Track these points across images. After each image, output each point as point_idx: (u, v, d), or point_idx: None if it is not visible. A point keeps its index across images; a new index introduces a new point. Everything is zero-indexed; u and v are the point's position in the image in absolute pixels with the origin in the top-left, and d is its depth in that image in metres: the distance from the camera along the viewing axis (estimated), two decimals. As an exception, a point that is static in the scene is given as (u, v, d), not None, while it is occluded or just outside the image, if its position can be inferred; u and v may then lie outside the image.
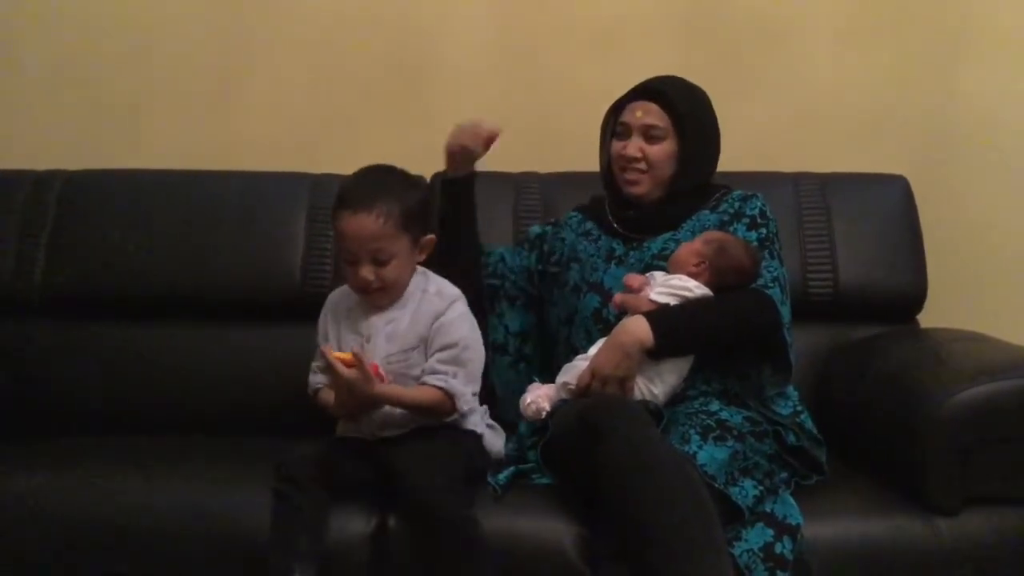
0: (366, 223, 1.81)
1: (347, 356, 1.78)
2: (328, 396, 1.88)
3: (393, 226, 1.82)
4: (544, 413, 1.92)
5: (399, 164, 2.34)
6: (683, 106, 2.07)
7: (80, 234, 2.37)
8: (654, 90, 2.10)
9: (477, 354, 1.91)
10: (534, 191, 2.42)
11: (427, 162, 2.19)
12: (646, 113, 2.08)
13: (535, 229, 2.26)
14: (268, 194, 2.42)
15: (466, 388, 1.87)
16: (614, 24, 2.64)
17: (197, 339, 2.35)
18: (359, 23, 2.65)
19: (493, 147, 2.07)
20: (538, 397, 1.94)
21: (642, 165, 2.09)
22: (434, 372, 1.85)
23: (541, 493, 1.82)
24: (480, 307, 2.09)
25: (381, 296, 1.88)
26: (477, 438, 1.90)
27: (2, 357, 2.28)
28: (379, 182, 1.87)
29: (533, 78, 2.64)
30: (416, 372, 1.87)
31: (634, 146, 2.09)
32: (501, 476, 1.84)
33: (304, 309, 2.32)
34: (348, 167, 2.44)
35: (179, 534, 1.77)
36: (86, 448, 2.06)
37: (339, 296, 1.99)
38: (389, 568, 1.72)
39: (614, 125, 2.14)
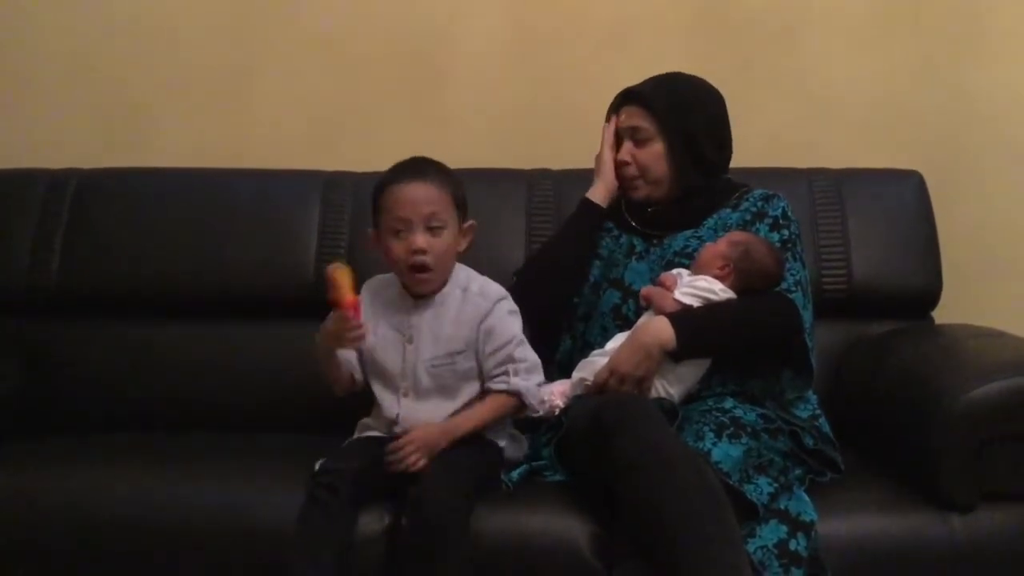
0: (421, 188, 1.86)
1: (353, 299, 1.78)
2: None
3: (448, 194, 1.87)
4: (558, 411, 1.92)
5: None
6: (662, 106, 2.06)
7: (95, 233, 2.38)
8: (634, 93, 2.11)
9: (529, 347, 1.91)
10: (547, 188, 2.42)
11: (441, 159, 2.18)
12: (629, 116, 2.10)
13: None
14: (282, 192, 2.43)
15: (528, 381, 1.87)
16: (628, 21, 2.63)
17: (210, 336, 2.36)
18: (372, 20, 2.65)
19: None
20: (552, 395, 1.94)
21: (633, 170, 2.10)
22: (492, 377, 1.86)
23: (555, 491, 1.82)
24: (557, 324, 2.10)
25: (428, 278, 1.88)
26: (498, 450, 1.89)
27: (18, 355, 2.29)
28: (426, 161, 1.93)
29: (547, 75, 2.64)
30: (463, 367, 1.87)
31: (624, 151, 2.11)
32: (514, 473, 1.85)
33: (317, 307, 2.33)
34: (362, 164, 2.46)
35: (198, 530, 1.77)
36: (100, 446, 2.08)
37: (378, 284, 1.97)
38: (401, 566, 1.71)
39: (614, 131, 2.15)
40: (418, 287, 1.90)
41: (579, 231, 2.14)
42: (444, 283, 1.92)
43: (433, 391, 1.87)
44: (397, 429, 1.85)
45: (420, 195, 1.85)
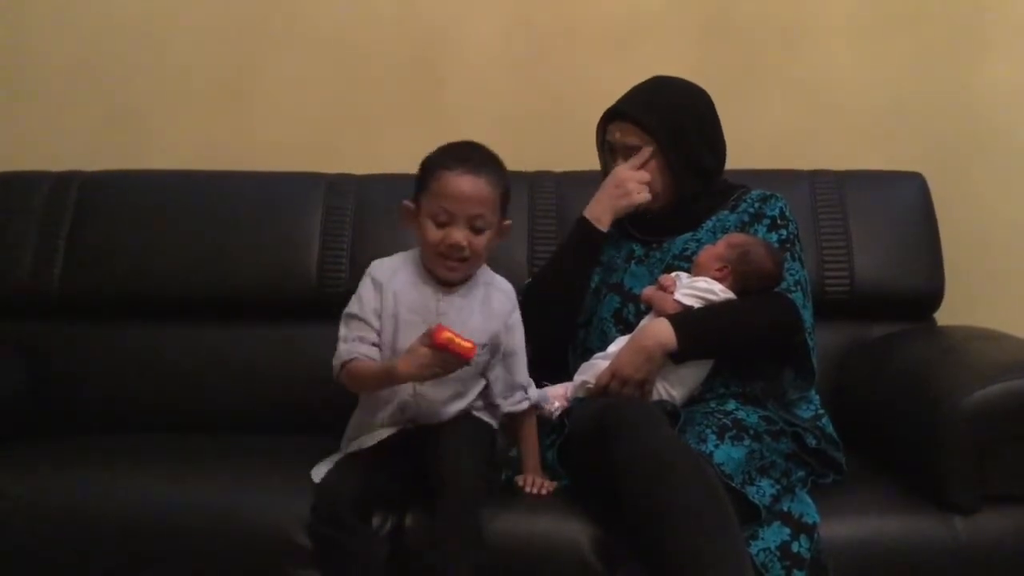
0: (479, 185, 1.78)
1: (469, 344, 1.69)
2: (372, 366, 1.78)
3: (498, 197, 1.81)
4: (558, 413, 1.92)
5: (414, 164, 2.36)
6: (656, 121, 2.03)
7: (97, 235, 2.38)
8: (620, 111, 2.07)
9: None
10: (549, 190, 2.42)
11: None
12: (623, 134, 2.07)
13: None
14: (284, 194, 2.43)
15: (534, 390, 1.91)
16: (629, 23, 2.64)
17: (213, 339, 2.36)
18: (374, 23, 2.66)
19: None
20: (553, 397, 1.94)
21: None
22: (510, 398, 1.88)
23: (557, 494, 1.82)
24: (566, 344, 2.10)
25: (458, 267, 1.81)
26: (493, 432, 1.88)
27: (21, 357, 2.29)
28: (489, 155, 1.85)
29: (548, 77, 2.64)
30: (482, 360, 1.82)
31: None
32: (516, 476, 1.85)
33: (320, 308, 2.34)
34: (363, 167, 2.47)
35: (199, 532, 1.77)
36: (102, 448, 2.08)
37: (390, 268, 1.87)
38: (406, 567, 1.72)
39: (604, 142, 2.13)
40: (446, 274, 1.82)
41: (580, 256, 2.10)
42: (474, 272, 1.87)
43: (450, 381, 1.78)
44: (408, 414, 1.81)
45: (471, 193, 1.77)
